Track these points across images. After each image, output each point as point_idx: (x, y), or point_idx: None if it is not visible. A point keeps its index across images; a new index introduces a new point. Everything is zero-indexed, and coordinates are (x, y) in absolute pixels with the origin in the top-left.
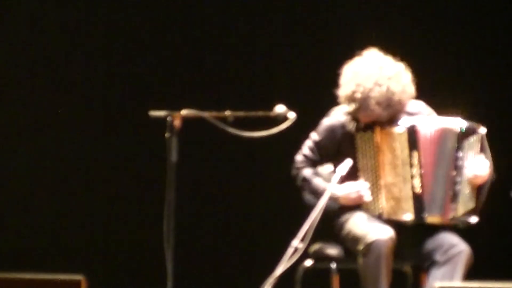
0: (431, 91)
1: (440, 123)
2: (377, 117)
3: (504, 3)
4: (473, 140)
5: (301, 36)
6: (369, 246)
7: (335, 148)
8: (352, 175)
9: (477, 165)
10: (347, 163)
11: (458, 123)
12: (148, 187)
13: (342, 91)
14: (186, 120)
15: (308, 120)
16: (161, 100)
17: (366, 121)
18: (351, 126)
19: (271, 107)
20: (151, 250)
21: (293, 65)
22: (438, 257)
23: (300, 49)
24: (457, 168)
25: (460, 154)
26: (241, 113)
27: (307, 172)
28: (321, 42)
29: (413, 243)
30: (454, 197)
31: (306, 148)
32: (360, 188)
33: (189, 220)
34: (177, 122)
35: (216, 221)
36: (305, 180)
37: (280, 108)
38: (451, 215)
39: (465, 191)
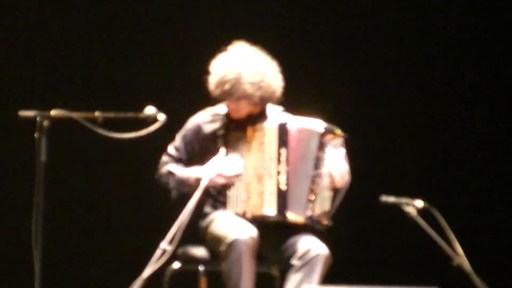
0: (294, 94)
1: (304, 123)
2: (249, 100)
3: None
4: (335, 143)
5: (171, 37)
6: (230, 246)
7: (201, 146)
8: None
9: (337, 168)
10: (221, 154)
11: (320, 124)
12: (16, 188)
13: (213, 78)
14: (55, 120)
15: (178, 122)
16: (29, 100)
17: (237, 116)
18: (220, 126)
19: (141, 109)
20: (20, 252)
21: (163, 66)
22: (295, 261)
23: (170, 49)
24: (318, 168)
25: (322, 154)
26: (110, 114)
27: (171, 166)
28: (191, 43)
29: (275, 245)
30: (313, 196)
31: (171, 147)
32: (232, 161)
33: (57, 222)
34: (46, 123)
35: (84, 223)
36: (170, 173)
37: (150, 110)
38: (308, 213)
39: (324, 193)
